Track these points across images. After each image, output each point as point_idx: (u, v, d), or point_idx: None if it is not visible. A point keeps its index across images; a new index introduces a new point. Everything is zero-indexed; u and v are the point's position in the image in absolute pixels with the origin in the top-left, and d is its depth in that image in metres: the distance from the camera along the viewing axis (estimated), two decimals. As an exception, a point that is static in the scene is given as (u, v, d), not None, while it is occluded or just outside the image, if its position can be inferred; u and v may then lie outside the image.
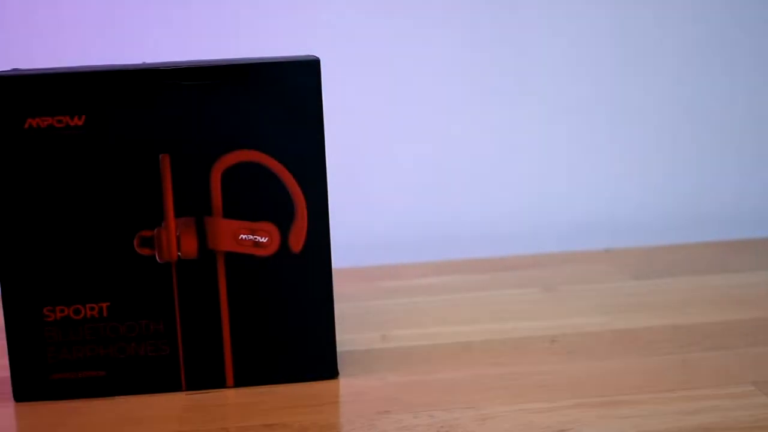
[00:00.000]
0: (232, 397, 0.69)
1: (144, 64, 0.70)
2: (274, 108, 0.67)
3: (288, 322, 0.70)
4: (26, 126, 0.66)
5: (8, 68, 0.74)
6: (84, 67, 0.70)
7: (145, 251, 0.68)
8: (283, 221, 0.69)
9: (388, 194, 1.05)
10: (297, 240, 0.69)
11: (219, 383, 0.70)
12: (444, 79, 1.04)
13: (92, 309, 0.69)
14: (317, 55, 0.69)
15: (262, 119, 0.67)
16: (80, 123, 0.67)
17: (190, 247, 0.68)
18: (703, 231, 1.07)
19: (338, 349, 0.72)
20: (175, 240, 0.68)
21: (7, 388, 0.70)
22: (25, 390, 0.69)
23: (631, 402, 0.65)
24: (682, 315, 0.82)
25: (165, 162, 0.67)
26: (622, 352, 0.74)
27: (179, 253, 0.68)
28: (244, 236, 0.68)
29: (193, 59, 0.76)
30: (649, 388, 0.68)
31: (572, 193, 1.07)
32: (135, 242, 0.68)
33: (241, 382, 0.70)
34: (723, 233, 1.07)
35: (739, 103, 1.08)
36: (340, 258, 0.76)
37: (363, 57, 1.03)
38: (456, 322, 0.83)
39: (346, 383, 0.71)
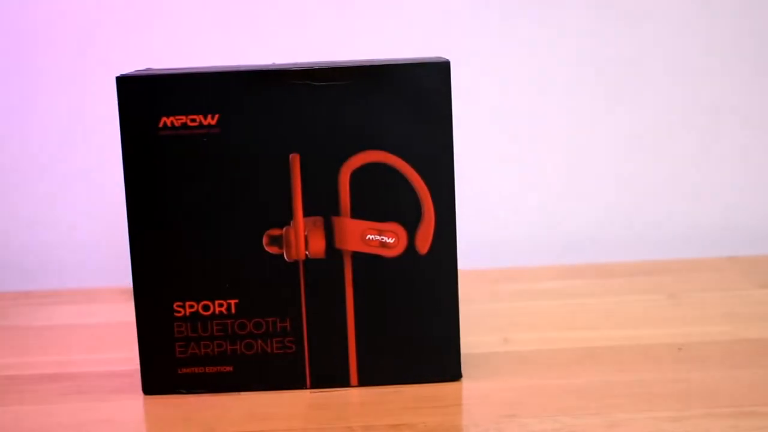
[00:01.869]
0: (356, 396, 0.69)
1: (274, 64, 0.71)
2: (403, 109, 0.67)
3: (413, 323, 0.70)
4: (161, 125, 0.68)
5: (143, 68, 0.75)
6: (216, 67, 0.71)
7: (274, 250, 0.69)
8: (410, 222, 0.69)
9: (512, 196, 1.05)
10: (424, 241, 0.69)
11: (343, 382, 0.70)
12: (570, 81, 1.04)
13: (221, 305, 0.70)
14: (446, 57, 0.69)
15: (391, 120, 0.68)
16: (213, 122, 0.68)
17: (318, 246, 0.69)
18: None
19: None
20: (303, 239, 0.68)
21: (137, 380, 0.71)
22: (153, 383, 0.71)
23: (764, 414, 0.64)
24: (814, 325, 0.80)
25: (295, 161, 0.68)
26: (752, 362, 0.73)
27: (307, 252, 0.69)
28: (371, 236, 0.69)
29: (322, 60, 0.76)
30: (782, 399, 0.66)
31: (697, 198, 1.06)
32: (264, 240, 0.69)
33: (364, 381, 0.70)
34: None
35: None
36: (462, 259, 0.76)
37: (485, 58, 1.03)
38: (579, 327, 0.82)
39: (469, 386, 0.70)
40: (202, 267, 0.69)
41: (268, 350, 0.70)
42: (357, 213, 0.69)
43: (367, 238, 0.69)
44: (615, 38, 1.03)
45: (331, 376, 0.70)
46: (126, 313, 0.84)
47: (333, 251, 0.69)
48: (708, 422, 0.63)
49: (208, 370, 0.70)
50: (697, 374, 0.71)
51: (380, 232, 0.69)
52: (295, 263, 0.69)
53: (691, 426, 0.62)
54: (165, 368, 0.70)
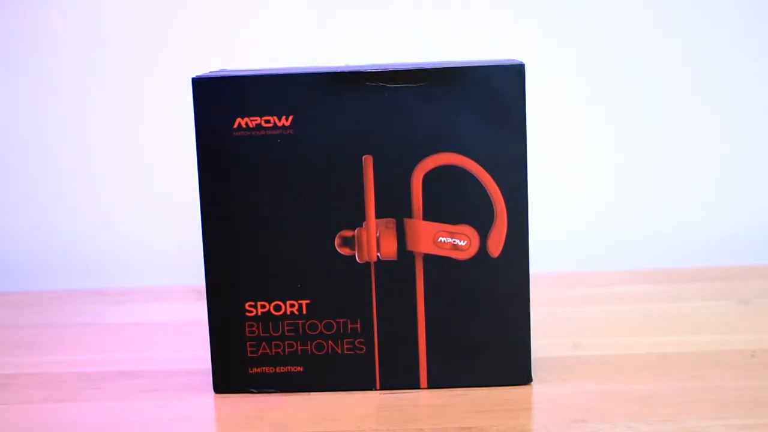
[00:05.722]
0: (425, 398, 0.69)
1: (347, 66, 0.71)
2: (477, 112, 0.67)
3: (483, 326, 0.70)
4: (235, 125, 0.68)
5: (217, 69, 0.76)
6: (291, 69, 0.71)
7: (346, 251, 0.69)
8: (483, 225, 0.69)
9: (582, 200, 1.04)
10: (496, 245, 0.69)
11: (412, 384, 0.70)
12: (636, 83, 1.03)
13: (292, 306, 0.70)
14: (520, 59, 0.69)
15: (465, 122, 0.68)
16: (287, 123, 0.68)
17: (389, 248, 0.69)
18: None
19: (530, 355, 0.72)
20: (375, 241, 0.69)
21: (207, 379, 0.72)
22: (224, 382, 0.71)
23: (841, 423, 0.63)
24: None
25: (368, 163, 0.68)
26: (827, 370, 0.72)
27: (379, 254, 0.69)
28: (443, 239, 0.69)
29: (396, 62, 0.76)
30: None
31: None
32: (336, 242, 0.69)
33: (434, 383, 0.70)
34: None
35: None
36: (534, 263, 0.76)
37: (556, 57, 1.02)
38: (650, 333, 0.81)
39: (539, 390, 0.70)
40: (274, 267, 0.70)
41: (339, 351, 0.70)
42: (429, 215, 0.69)
43: (438, 240, 0.69)
44: (686, 40, 1.02)
45: (401, 378, 0.70)
46: (197, 312, 0.85)
47: (405, 253, 0.69)
48: (783, 431, 0.62)
49: (279, 369, 0.71)
50: (770, 382, 0.70)
51: (452, 235, 0.69)
52: (367, 265, 0.69)
53: (766, 434, 0.62)
54: (236, 367, 0.71)
